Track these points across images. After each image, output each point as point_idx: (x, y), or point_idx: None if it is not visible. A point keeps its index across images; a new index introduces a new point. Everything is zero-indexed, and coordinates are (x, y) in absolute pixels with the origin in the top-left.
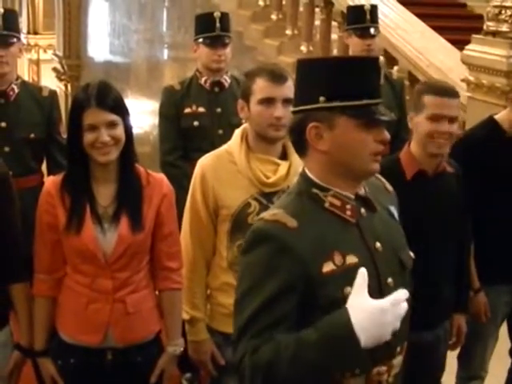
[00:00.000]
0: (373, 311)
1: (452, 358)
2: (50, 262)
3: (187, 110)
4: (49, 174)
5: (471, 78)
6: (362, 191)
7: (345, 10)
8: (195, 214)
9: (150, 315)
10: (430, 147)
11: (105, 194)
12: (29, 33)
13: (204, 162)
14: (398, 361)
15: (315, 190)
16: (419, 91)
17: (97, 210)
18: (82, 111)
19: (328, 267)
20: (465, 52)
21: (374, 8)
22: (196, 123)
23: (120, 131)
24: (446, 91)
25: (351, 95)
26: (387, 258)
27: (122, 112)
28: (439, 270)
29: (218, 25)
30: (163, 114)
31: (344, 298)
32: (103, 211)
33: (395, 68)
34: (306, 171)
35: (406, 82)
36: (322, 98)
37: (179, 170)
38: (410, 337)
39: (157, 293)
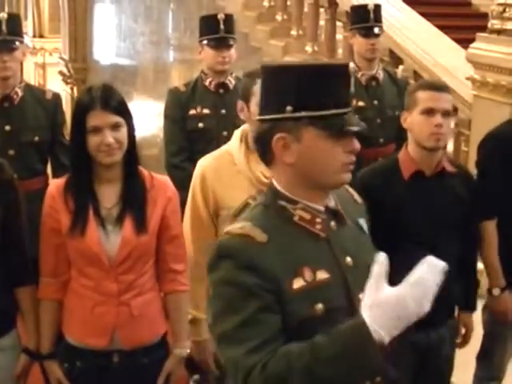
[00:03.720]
0: (388, 299)
1: (471, 357)
2: (54, 266)
3: (192, 112)
4: (54, 175)
5: (476, 77)
6: (331, 203)
7: (349, 10)
8: (196, 215)
9: (155, 317)
10: (427, 141)
11: (108, 195)
12: (34, 36)
13: (204, 163)
14: None
15: (283, 203)
16: (411, 91)
17: (100, 212)
18: (86, 113)
19: (298, 283)
20: (470, 50)
21: (377, 7)
22: (201, 125)
23: (124, 133)
24: (436, 86)
25: (319, 105)
26: (358, 273)
27: (126, 114)
28: None
29: (222, 26)
30: (168, 116)
31: (315, 316)
32: (107, 213)
33: (400, 67)
34: (274, 183)
35: (412, 81)
36: (288, 108)
37: (185, 171)
38: (413, 336)
39: (162, 295)
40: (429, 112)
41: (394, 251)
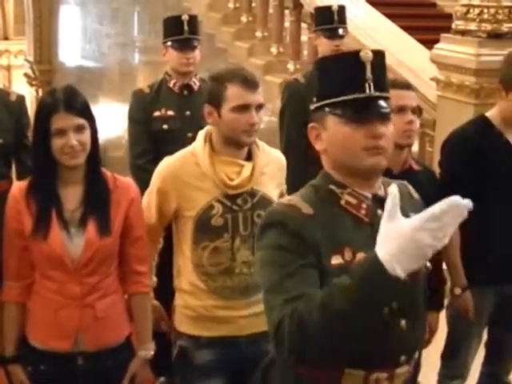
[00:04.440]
0: (403, 232)
1: (435, 356)
2: (18, 269)
3: (156, 114)
4: (18, 178)
5: (441, 77)
6: (381, 192)
7: (313, 12)
8: (148, 210)
9: (119, 319)
10: (400, 139)
11: (71, 198)
12: None
13: (166, 163)
14: (402, 370)
15: (332, 187)
16: None
17: (63, 215)
18: (49, 116)
19: (337, 260)
20: (434, 51)
21: (341, 9)
22: (165, 126)
23: (87, 136)
24: (402, 84)
25: (336, 92)
26: None
27: (89, 116)
28: None
29: (186, 28)
30: (132, 118)
31: None
32: (70, 216)
33: None
34: (325, 168)
35: None
36: (314, 99)
37: (149, 173)
38: None
39: (126, 297)
40: (400, 110)
41: None
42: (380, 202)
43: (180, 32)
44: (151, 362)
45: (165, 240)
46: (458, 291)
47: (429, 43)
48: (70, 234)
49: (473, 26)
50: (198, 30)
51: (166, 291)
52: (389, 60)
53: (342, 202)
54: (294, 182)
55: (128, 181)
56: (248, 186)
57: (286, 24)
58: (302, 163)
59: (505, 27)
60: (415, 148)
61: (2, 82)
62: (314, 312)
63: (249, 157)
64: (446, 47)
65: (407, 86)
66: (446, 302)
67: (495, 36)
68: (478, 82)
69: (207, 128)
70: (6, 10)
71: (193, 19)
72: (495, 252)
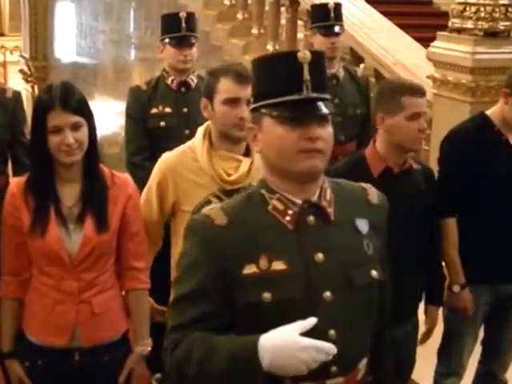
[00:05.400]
0: (291, 343)
1: (432, 353)
2: (15, 264)
3: (154, 111)
4: (14, 175)
5: (437, 75)
6: (314, 197)
7: (310, 9)
8: (147, 208)
9: (116, 315)
10: (412, 145)
11: (69, 194)
12: None
13: (165, 158)
14: (335, 382)
15: (263, 192)
16: (389, 94)
17: (61, 211)
18: (46, 113)
19: (250, 269)
20: (430, 49)
21: (338, 6)
22: (163, 123)
23: (84, 133)
24: (419, 91)
25: (271, 94)
26: (329, 271)
27: (86, 113)
28: (403, 268)
29: (183, 25)
30: (129, 115)
31: (261, 304)
32: (68, 212)
33: (361, 66)
34: (264, 171)
35: (372, 80)
36: (251, 100)
37: (145, 170)
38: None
39: (123, 293)
40: (415, 117)
41: None
42: (312, 208)
43: (177, 29)
44: (147, 358)
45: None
46: (456, 289)
47: (425, 41)
48: (67, 230)
49: (469, 24)
50: (196, 27)
51: (161, 289)
52: (385, 58)
53: (270, 208)
54: None
55: (126, 177)
56: (245, 181)
57: (282, 21)
58: None
59: (501, 25)
60: None
61: None
62: (192, 364)
63: (247, 152)
64: (443, 45)
65: (422, 92)
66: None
67: (491, 34)
68: (474, 80)
69: (207, 124)
70: (1, 7)
71: (190, 16)
72: (491, 251)
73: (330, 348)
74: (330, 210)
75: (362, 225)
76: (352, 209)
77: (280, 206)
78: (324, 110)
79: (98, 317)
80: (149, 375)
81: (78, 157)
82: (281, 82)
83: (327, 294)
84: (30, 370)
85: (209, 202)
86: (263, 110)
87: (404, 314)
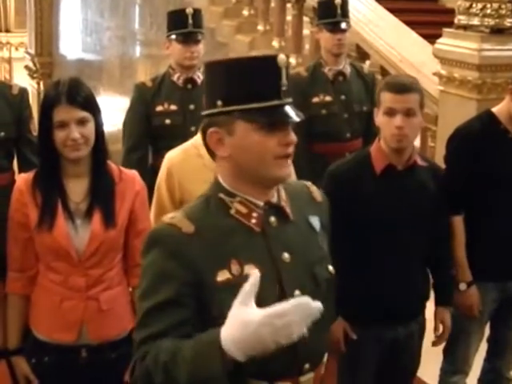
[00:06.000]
0: (247, 322)
1: (437, 351)
2: (22, 260)
3: (159, 108)
4: (20, 172)
5: (443, 72)
6: (274, 199)
7: (316, 5)
8: (160, 206)
9: (123, 312)
10: (390, 142)
11: (77, 190)
12: (0, 31)
13: (172, 155)
14: (307, 378)
15: (222, 196)
16: (378, 89)
17: (69, 207)
18: (52, 108)
19: (223, 276)
20: (436, 46)
21: (344, 2)
22: (168, 121)
23: (90, 129)
24: (398, 87)
25: (247, 98)
26: (296, 270)
27: (93, 109)
28: (408, 264)
29: (190, 21)
30: (133, 110)
31: None
32: (75, 208)
33: (367, 63)
34: (218, 176)
35: (379, 77)
36: (219, 102)
37: (140, 169)
38: (379, 330)
39: (130, 289)
40: (390, 113)
41: (367, 244)
42: (273, 208)
43: (184, 25)
44: None
45: None
46: (463, 287)
47: (431, 38)
48: (75, 225)
49: (475, 21)
50: (202, 23)
51: None
52: (391, 55)
53: (232, 212)
54: (298, 177)
55: (133, 173)
56: None
57: (288, 18)
58: (306, 158)
59: (508, 22)
60: (417, 143)
61: (3, 75)
62: (158, 370)
63: None
64: (449, 42)
65: (403, 88)
66: None
67: (498, 31)
68: (481, 77)
69: None
70: (7, 3)
71: (197, 13)
72: (499, 248)
73: (286, 306)
74: (289, 210)
75: (315, 222)
76: (303, 207)
77: (243, 210)
78: (294, 115)
79: (105, 313)
80: None
81: (84, 152)
82: (259, 86)
83: (296, 292)
84: (36, 367)
85: None
86: (236, 114)
87: (409, 314)
